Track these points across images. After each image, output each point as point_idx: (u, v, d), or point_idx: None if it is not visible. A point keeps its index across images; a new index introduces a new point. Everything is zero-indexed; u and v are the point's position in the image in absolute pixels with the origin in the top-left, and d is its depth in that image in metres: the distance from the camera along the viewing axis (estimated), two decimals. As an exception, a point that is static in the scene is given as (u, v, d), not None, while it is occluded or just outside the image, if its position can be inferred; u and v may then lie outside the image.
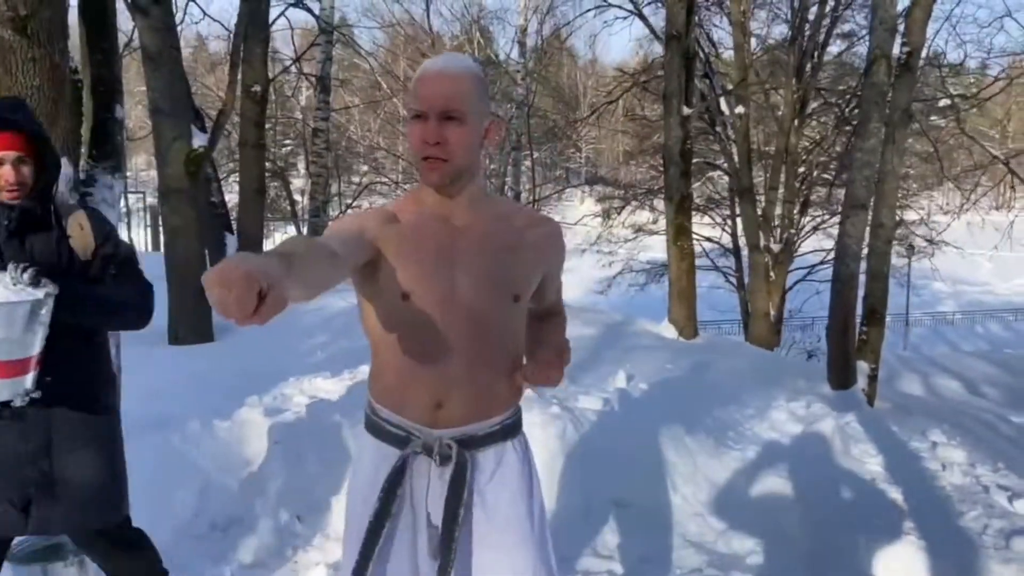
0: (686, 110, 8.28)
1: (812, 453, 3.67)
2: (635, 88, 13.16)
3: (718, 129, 11.32)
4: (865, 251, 6.61)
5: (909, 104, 6.87)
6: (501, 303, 1.54)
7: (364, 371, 4.60)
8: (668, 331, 8.30)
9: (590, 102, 26.08)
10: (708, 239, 16.19)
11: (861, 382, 6.69)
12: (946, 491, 3.46)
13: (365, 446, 1.63)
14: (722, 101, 11.01)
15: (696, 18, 9.04)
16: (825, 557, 2.86)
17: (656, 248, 21.12)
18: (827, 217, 13.69)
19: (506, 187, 19.03)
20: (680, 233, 8.40)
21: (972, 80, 14.11)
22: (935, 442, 4.73)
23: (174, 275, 5.71)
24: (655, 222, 21.13)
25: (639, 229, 21.20)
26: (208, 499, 3.06)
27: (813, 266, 14.29)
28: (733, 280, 16.66)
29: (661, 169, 10.02)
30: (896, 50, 6.59)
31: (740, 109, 10.86)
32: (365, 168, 18.57)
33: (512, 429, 1.61)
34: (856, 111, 12.59)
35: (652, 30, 11.81)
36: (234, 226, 8.90)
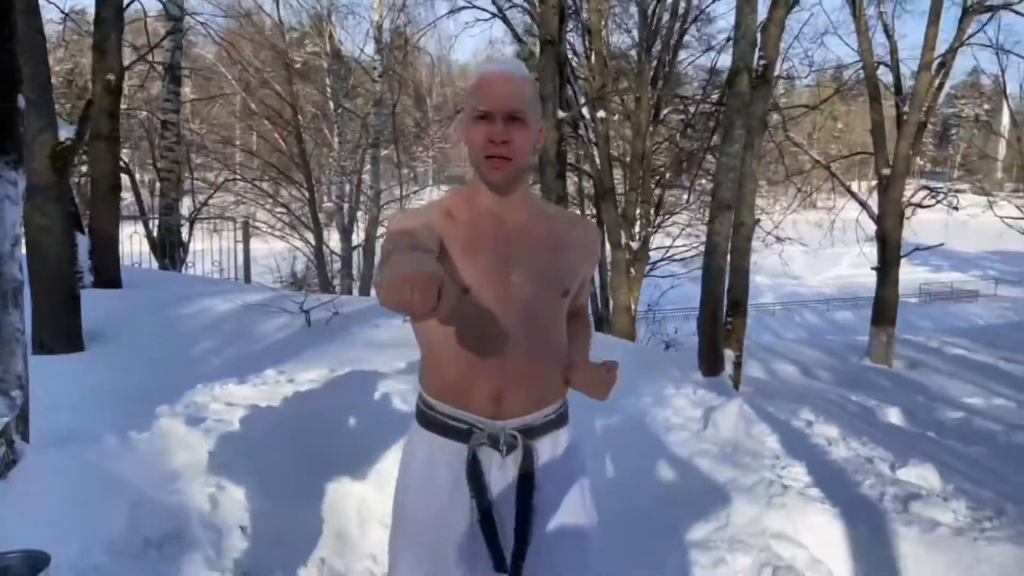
0: (560, 113, 8.58)
1: (721, 436, 3.96)
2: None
3: (580, 133, 11.78)
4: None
5: (765, 113, 7.51)
6: (553, 298, 1.62)
7: (273, 377, 4.45)
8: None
9: (435, 103, 26.13)
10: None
11: (728, 368, 7.24)
12: (839, 463, 3.85)
13: (420, 442, 1.65)
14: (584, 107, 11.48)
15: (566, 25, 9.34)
16: (752, 529, 3.11)
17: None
18: (666, 216, 14.59)
19: (364, 185, 18.74)
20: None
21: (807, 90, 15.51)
22: (809, 420, 5.22)
23: (40, 279, 5.22)
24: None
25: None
26: (140, 515, 2.87)
27: (655, 262, 15.17)
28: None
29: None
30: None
31: (601, 114, 11.34)
32: (218, 165, 17.64)
33: (563, 418, 1.69)
34: (700, 116, 13.56)
35: (515, 33, 12.07)
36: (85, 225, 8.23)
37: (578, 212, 15.79)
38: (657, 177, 13.00)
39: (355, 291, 17.65)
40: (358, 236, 18.75)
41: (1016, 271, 38.08)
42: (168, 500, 2.95)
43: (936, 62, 12.85)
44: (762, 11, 7.41)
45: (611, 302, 11.91)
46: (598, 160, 11.71)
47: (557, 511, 1.61)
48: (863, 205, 13.92)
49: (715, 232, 6.95)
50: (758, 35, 7.22)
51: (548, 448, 1.63)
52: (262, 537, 2.96)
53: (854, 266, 30.28)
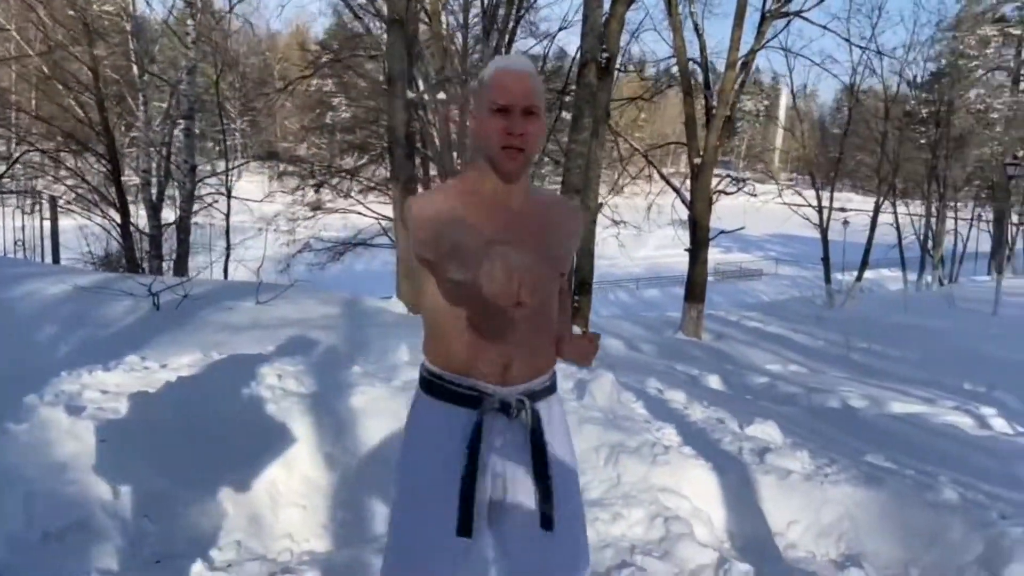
0: (409, 94, 8.59)
1: (599, 404, 4.27)
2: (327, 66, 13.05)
3: (421, 113, 11.78)
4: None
5: (608, 103, 7.98)
6: (552, 277, 1.76)
7: (138, 363, 4.23)
8: (398, 307, 8.62)
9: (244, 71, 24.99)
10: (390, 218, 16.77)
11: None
12: (699, 424, 4.29)
13: (428, 410, 1.74)
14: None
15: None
16: (641, 485, 3.44)
17: (333, 227, 21.18)
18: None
19: (177, 159, 17.53)
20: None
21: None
22: (659, 388, 5.73)
23: None
24: (333, 200, 21.11)
25: (317, 208, 21.01)
26: (36, 508, 2.69)
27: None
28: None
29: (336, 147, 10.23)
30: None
31: (441, 96, 11.43)
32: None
33: (554, 385, 1.85)
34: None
35: (352, 9, 11.83)
36: None
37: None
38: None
39: (169, 271, 16.56)
40: (175, 213, 17.53)
41: (793, 251, 42.49)
42: (64, 491, 2.78)
43: (740, 62, 14.13)
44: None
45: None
46: (438, 143, 11.81)
47: (557, 467, 1.77)
48: (676, 191, 15.07)
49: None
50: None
51: (545, 411, 1.79)
52: (171, 523, 2.87)
53: (659, 247, 32.57)
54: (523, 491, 1.74)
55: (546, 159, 14.44)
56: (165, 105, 17.53)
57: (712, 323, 15.41)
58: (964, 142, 26.01)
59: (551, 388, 1.83)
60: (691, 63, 14.60)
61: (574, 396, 4.41)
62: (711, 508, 3.38)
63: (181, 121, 17.30)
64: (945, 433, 6.57)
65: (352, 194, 20.00)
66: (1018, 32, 34.83)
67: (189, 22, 17.00)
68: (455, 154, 11.16)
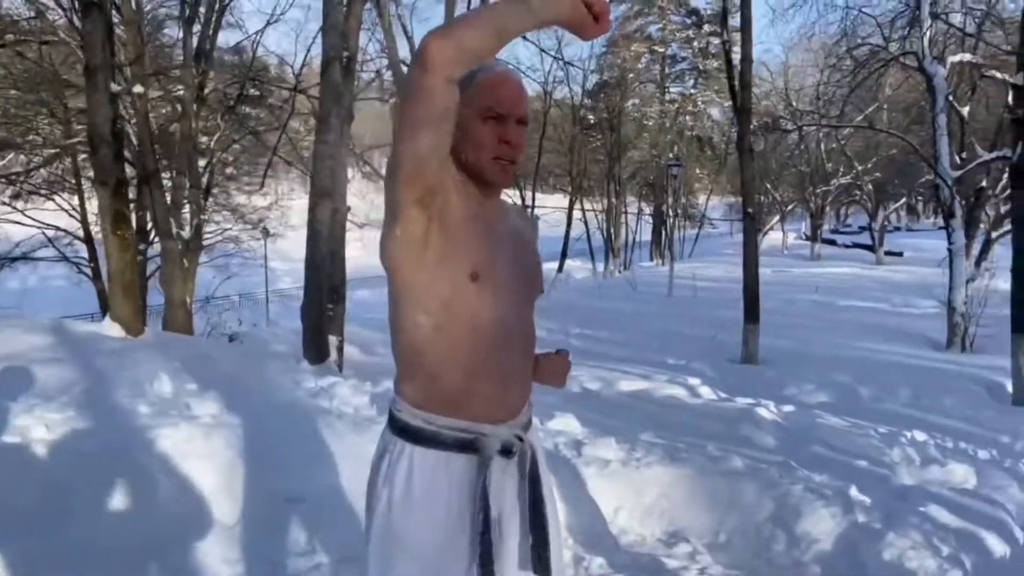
0: (115, 87, 7.54)
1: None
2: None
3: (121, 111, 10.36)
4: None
5: (351, 102, 7.74)
6: (534, 295, 1.67)
7: None
8: (114, 330, 7.54)
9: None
10: (58, 228, 14.78)
11: (333, 354, 7.39)
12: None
13: (422, 462, 1.54)
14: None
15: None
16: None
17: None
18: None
19: None
20: (119, 221, 7.65)
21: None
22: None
23: None
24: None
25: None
26: None
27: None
28: (88, 271, 15.49)
29: None
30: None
31: (139, 89, 10.22)
32: None
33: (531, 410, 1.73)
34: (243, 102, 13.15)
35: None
36: None
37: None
38: (208, 160, 12.23)
39: None
40: None
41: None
42: None
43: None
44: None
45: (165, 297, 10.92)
46: (135, 140, 10.56)
47: (549, 506, 1.65)
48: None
49: (316, 220, 6.98)
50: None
51: (537, 446, 1.66)
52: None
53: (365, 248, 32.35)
54: (518, 533, 1.59)
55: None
56: None
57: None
58: (626, 147, 29.57)
59: (531, 418, 1.73)
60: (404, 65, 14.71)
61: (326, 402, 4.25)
62: (550, 507, 3.47)
63: None
64: (673, 405, 7.39)
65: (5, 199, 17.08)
66: (661, 50, 40.44)
67: None
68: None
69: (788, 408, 7.18)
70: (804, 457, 5.11)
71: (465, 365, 1.52)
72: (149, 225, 11.86)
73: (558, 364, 1.77)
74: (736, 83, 10.82)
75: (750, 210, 11.06)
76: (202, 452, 3.00)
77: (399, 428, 1.57)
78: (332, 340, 7.29)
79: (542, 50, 17.56)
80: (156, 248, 11.51)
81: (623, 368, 10.10)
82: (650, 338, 13.18)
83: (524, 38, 16.20)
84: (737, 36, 11.34)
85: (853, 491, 3.97)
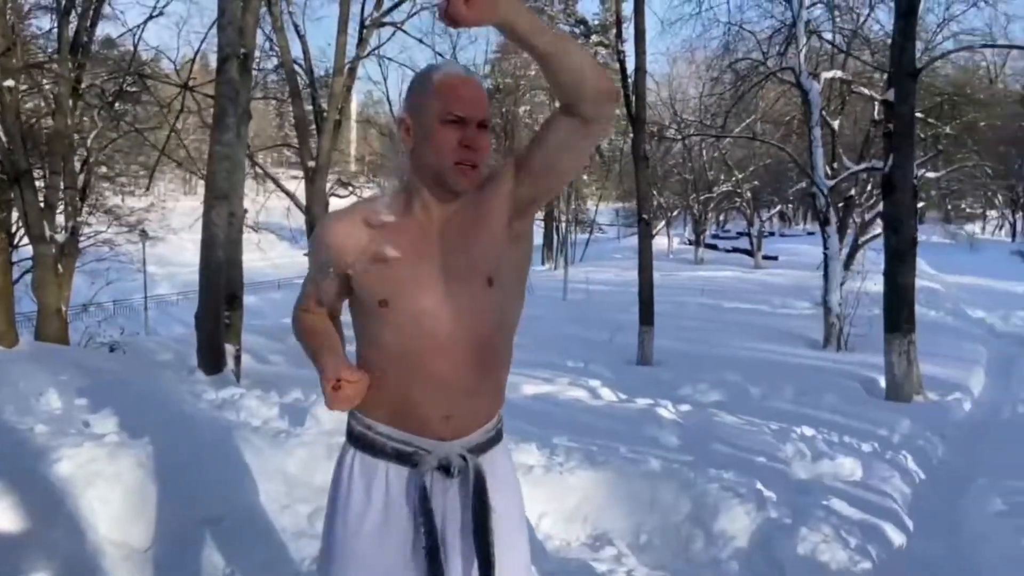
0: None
1: (325, 429, 4.01)
2: None
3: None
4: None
5: (248, 101, 7.44)
6: (483, 296, 1.53)
7: None
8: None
9: None
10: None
11: (230, 363, 7.08)
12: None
13: (356, 466, 1.54)
14: None
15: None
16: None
17: None
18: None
19: None
20: (-10, 224, 7.08)
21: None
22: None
23: None
24: None
25: None
26: None
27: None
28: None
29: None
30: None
31: (9, 83, 9.48)
32: None
33: (500, 434, 1.68)
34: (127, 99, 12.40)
35: None
36: None
37: None
38: (85, 160, 11.43)
39: None
40: None
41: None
42: None
43: (347, 67, 14.27)
44: None
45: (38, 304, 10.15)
46: (4, 138, 9.76)
47: (502, 531, 1.58)
48: (290, 196, 14.69)
49: (212, 223, 6.66)
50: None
51: (489, 467, 1.60)
52: None
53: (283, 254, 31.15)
54: (464, 556, 1.56)
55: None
56: None
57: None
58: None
59: (496, 438, 1.66)
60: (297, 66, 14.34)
61: (297, 425, 4.09)
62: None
63: None
64: (579, 407, 7.51)
65: None
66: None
67: None
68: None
69: (685, 408, 7.40)
70: (708, 456, 5.29)
71: (407, 382, 1.51)
72: (15, 227, 11.00)
73: None
74: (631, 93, 11.12)
75: (645, 216, 11.39)
76: (109, 474, 2.79)
77: (348, 431, 1.60)
78: (229, 349, 6.97)
79: (437, 53, 17.47)
80: (23, 252, 10.69)
81: (525, 371, 10.15)
82: (549, 341, 13.32)
83: (420, 41, 16.18)
84: (626, 47, 11.71)
85: (759, 487, 4.15)
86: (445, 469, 1.53)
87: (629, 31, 11.62)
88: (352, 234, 1.53)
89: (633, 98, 10.90)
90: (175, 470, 2.96)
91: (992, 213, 46.65)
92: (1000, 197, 39.97)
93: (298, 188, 14.64)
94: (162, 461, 2.95)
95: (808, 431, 6.69)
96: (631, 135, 12.34)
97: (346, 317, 1.68)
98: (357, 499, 1.53)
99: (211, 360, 6.71)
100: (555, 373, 10.08)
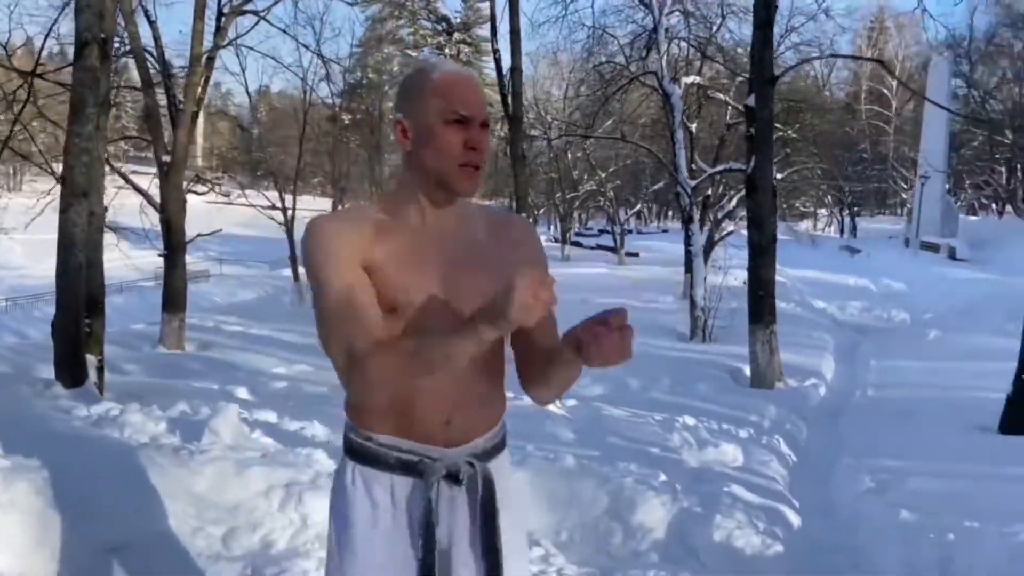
0: None
1: (224, 442, 3.76)
2: None
3: None
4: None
5: (108, 91, 6.86)
6: (483, 299, 1.50)
7: None
8: None
9: None
10: None
11: (92, 375, 6.54)
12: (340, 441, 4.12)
13: (357, 480, 1.46)
14: None
15: None
16: (322, 530, 3.19)
17: None
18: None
19: None
20: None
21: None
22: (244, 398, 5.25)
23: None
24: None
25: None
26: None
27: None
28: None
29: None
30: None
31: None
32: None
33: (504, 440, 1.64)
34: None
35: None
36: None
37: None
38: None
39: None
40: None
41: (233, 251, 42.17)
42: None
43: (205, 56, 13.50)
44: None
45: None
46: None
47: (511, 540, 1.55)
48: (143, 193, 13.75)
49: (71, 223, 6.09)
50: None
51: (496, 474, 1.55)
52: None
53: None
54: (472, 564, 1.51)
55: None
56: None
57: (190, 332, 14.46)
58: (387, 149, 29.53)
59: (501, 444, 1.61)
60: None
61: (195, 439, 3.81)
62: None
63: None
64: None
65: None
66: (414, 54, 40.83)
67: None
68: None
69: (571, 402, 7.53)
70: (605, 449, 5.41)
71: (399, 389, 1.41)
72: None
73: (610, 335, 1.33)
74: (507, 92, 11.19)
75: (523, 215, 11.50)
76: (3, 501, 2.47)
77: (347, 448, 1.51)
78: (91, 360, 6.41)
79: (303, 45, 16.90)
80: None
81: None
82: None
83: (284, 31, 15.53)
84: (487, 45, 11.77)
85: (663, 478, 4.28)
86: (453, 477, 1.47)
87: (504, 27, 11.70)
88: (358, 235, 1.42)
89: (510, 97, 10.97)
90: (73, 495, 2.67)
91: (822, 211, 50.63)
92: (830, 197, 43.46)
93: (151, 184, 13.71)
94: (60, 486, 2.65)
95: (690, 420, 6.96)
96: (506, 134, 12.43)
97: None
98: (362, 517, 1.45)
99: (71, 372, 6.14)
100: (438, 373, 9.99)
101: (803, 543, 3.87)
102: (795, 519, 4.11)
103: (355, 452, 1.48)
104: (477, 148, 1.43)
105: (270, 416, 4.91)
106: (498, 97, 12.13)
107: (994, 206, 47.80)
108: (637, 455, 5.17)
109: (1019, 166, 40.62)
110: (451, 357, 1.33)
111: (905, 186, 47.57)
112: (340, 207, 24.82)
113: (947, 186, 39.54)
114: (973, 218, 45.72)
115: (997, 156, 42.12)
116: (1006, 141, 33.70)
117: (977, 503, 4.03)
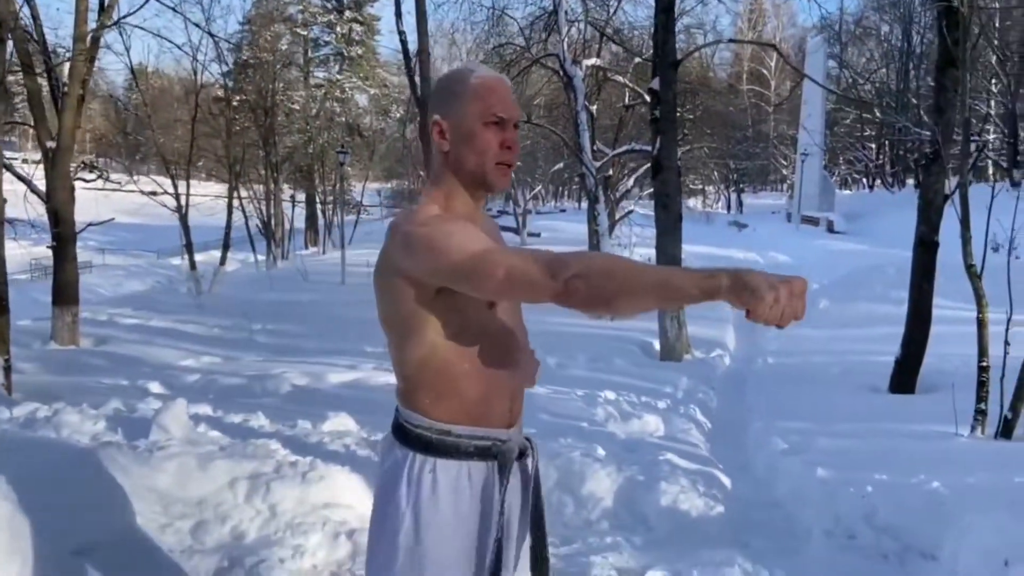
0: None
1: (174, 435, 3.71)
2: None
3: None
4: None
5: (4, 75, 6.45)
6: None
7: None
8: None
9: None
10: None
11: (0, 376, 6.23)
12: (295, 433, 4.11)
13: (441, 472, 1.52)
14: None
15: None
16: (300, 509, 3.22)
17: None
18: None
19: None
20: None
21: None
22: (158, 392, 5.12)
23: None
24: None
25: None
26: None
27: None
28: None
29: None
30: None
31: None
32: None
33: None
34: None
35: None
36: None
37: None
38: None
39: None
40: None
41: (115, 240, 39.96)
42: None
43: (90, 36, 12.75)
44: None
45: None
46: None
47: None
48: (25, 182, 12.91)
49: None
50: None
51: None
52: None
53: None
54: (521, 534, 1.64)
55: None
56: None
57: (83, 326, 13.74)
58: (279, 131, 28.67)
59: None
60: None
61: (144, 436, 3.73)
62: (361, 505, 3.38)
63: None
64: (391, 391, 7.50)
65: None
66: (304, 32, 39.61)
67: None
68: None
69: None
70: (538, 425, 5.60)
71: (485, 381, 1.55)
72: None
73: (530, 364, 1.78)
74: (415, 75, 11.17)
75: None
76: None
77: (420, 444, 1.54)
78: (-2, 360, 6.07)
79: (194, 24, 16.10)
80: None
81: (324, 360, 9.89)
82: (338, 327, 13.05)
83: (174, 9, 14.78)
84: (380, 24, 11.73)
85: (601, 452, 4.49)
86: (520, 457, 1.60)
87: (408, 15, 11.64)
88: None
89: (419, 80, 10.95)
90: (36, 499, 2.61)
91: (710, 188, 52.75)
92: (716, 174, 45.32)
93: (35, 172, 12.89)
94: (21, 491, 2.58)
95: (611, 395, 7.25)
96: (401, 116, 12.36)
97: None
98: (446, 506, 1.51)
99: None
100: (356, 359, 9.92)
101: (736, 503, 4.16)
102: (726, 481, 4.40)
103: (431, 446, 1.52)
104: (512, 148, 1.54)
105: (206, 410, 4.82)
106: (395, 79, 12.09)
107: (865, 180, 51.16)
108: (568, 430, 5.37)
109: (887, 143, 43.55)
110: (682, 298, 1.31)
111: (785, 163, 50.18)
112: (235, 193, 24.08)
113: (823, 162, 42.00)
114: (847, 192, 48.78)
115: (868, 133, 45.02)
116: (875, 119, 36.05)
117: (886, 458, 4.44)
